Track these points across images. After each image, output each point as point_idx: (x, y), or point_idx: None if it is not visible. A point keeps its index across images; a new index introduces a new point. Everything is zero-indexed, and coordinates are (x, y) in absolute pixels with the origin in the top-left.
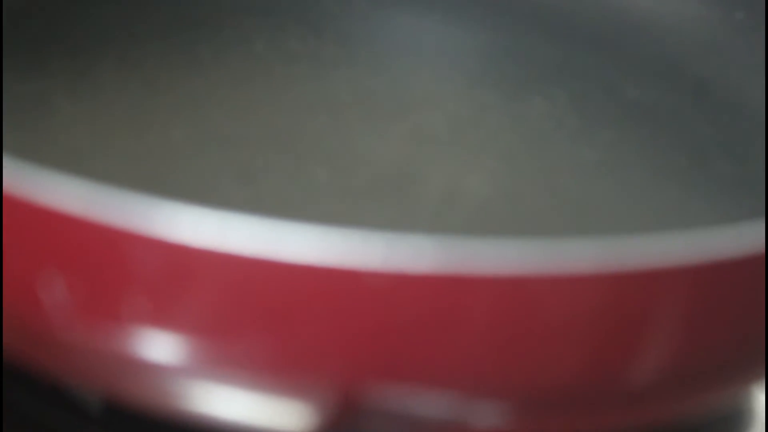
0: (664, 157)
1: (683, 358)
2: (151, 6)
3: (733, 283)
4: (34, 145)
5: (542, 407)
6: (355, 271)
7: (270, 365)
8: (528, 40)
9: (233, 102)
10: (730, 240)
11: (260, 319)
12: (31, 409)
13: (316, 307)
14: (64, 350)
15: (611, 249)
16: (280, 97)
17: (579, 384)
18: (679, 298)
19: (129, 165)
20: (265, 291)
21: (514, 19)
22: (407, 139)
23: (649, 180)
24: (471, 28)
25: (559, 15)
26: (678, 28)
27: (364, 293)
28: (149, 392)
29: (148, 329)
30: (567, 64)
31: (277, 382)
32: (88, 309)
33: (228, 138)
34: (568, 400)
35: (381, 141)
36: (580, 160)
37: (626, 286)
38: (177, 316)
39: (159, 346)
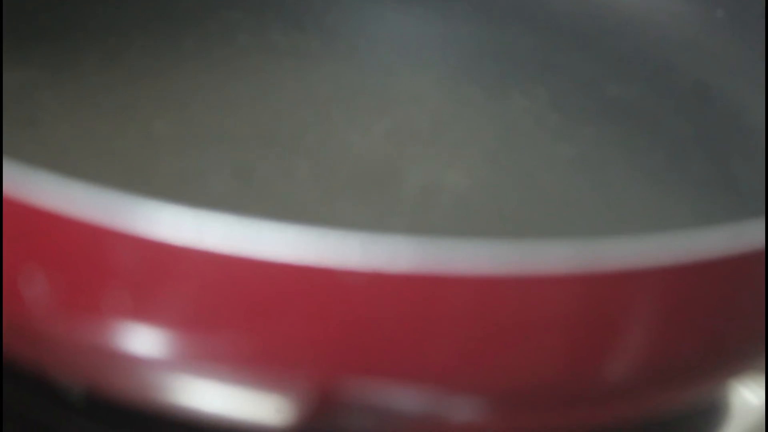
0: (642, 154)
1: (657, 357)
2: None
3: (706, 284)
4: (16, 139)
5: (519, 404)
6: (333, 269)
7: (248, 360)
8: (509, 36)
9: (216, 96)
10: (705, 241)
11: (239, 316)
12: (13, 399)
13: (294, 304)
14: (46, 343)
15: (586, 250)
16: (262, 92)
17: (556, 381)
18: (652, 299)
19: (110, 159)
20: (243, 288)
21: (496, 15)
22: (388, 135)
23: (628, 177)
24: (453, 25)
25: (540, 12)
26: (659, 26)
27: (341, 291)
28: (130, 384)
29: (128, 324)
30: (548, 61)
31: (256, 377)
32: (68, 303)
33: (210, 132)
34: (545, 397)
35: (362, 136)
36: (559, 156)
37: (601, 286)
38: (156, 312)
39: (139, 340)
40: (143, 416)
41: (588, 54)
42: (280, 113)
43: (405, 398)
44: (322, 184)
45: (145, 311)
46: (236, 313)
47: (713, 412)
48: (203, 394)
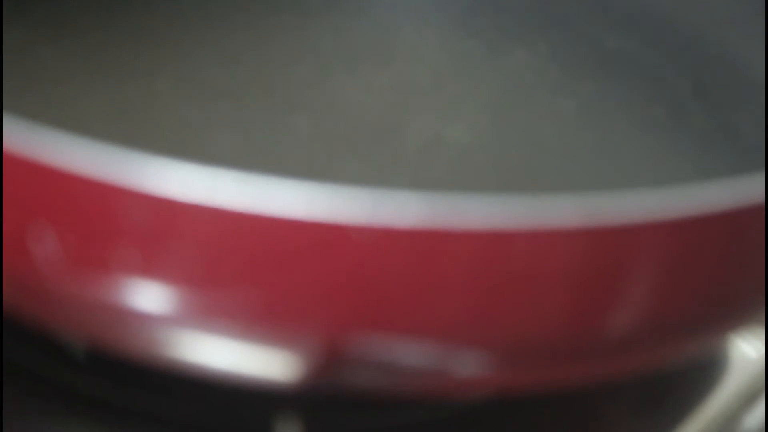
0: (643, 107)
1: (660, 310)
2: None
3: (707, 238)
4: (19, 96)
5: (524, 357)
6: (341, 225)
7: (256, 316)
8: None
9: (217, 51)
10: (706, 195)
11: (246, 271)
12: (16, 354)
13: (301, 259)
14: (53, 300)
15: (592, 204)
16: (263, 46)
17: (559, 335)
18: (654, 253)
19: (112, 115)
20: (251, 244)
21: None
22: (389, 89)
23: (628, 131)
24: None
25: None
26: None
27: (349, 247)
28: (138, 341)
29: (135, 280)
30: (548, 15)
31: (264, 333)
32: (76, 260)
33: (211, 87)
34: (549, 351)
35: (363, 90)
36: (560, 110)
37: (604, 240)
38: (164, 268)
39: (147, 297)
40: (147, 372)
41: (588, 7)
42: (281, 68)
43: (412, 353)
44: (323, 139)
45: (152, 266)
46: (244, 269)
47: (712, 365)
48: (211, 350)
